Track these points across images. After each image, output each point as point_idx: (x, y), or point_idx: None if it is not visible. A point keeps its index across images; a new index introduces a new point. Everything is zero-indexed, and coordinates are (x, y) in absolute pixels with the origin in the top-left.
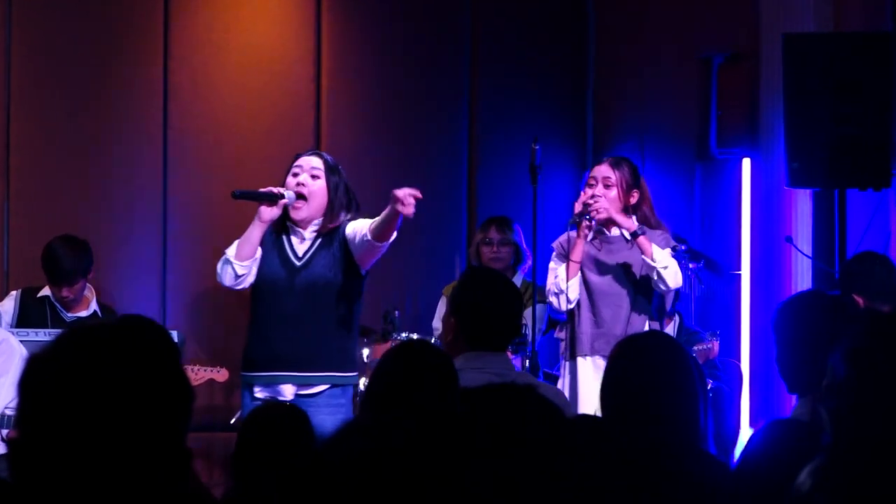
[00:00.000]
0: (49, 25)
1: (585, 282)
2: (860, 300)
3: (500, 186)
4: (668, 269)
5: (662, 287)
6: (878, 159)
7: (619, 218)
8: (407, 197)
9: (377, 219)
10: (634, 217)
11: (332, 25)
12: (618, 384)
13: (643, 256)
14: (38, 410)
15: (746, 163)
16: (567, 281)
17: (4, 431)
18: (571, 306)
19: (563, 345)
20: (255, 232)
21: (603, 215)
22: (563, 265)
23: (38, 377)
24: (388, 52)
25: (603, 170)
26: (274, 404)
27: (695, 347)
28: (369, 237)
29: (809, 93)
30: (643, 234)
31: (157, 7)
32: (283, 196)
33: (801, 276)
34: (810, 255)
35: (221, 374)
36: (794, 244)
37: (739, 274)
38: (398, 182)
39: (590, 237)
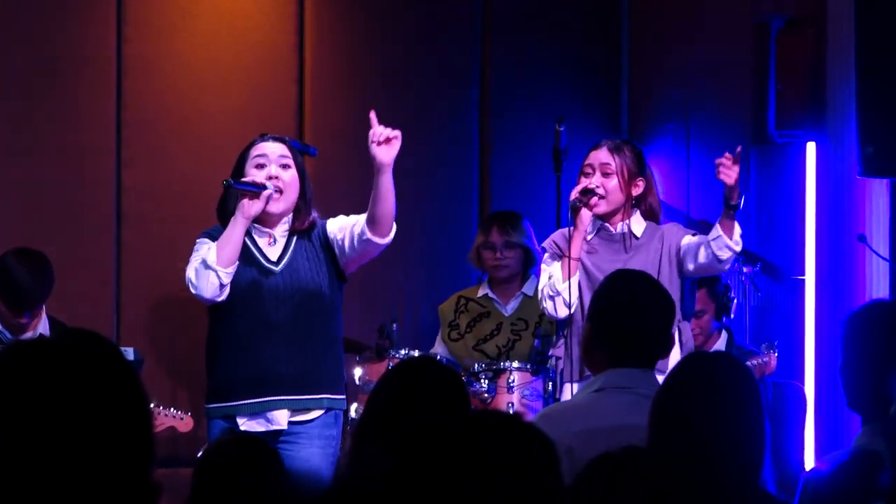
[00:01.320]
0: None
1: (590, 286)
2: None
3: (517, 176)
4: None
5: (722, 259)
6: None
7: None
8: (381, 148)
9: (368, 207)
10: (638, 211)
11: (316, 8)
12: (670, 412)
13: (726, 239)
14: None
15: (811, 147)
16: (565, 281)
17: None
18: (571, 311)
19: (561, 363)
20: (239, 230)
21: (602, 208)
22: (557, 265)
23: None
24: (386, 16)
25: (601, 155)
26: (236, 439)
27: (748, 362)
28: (367, 230)
29: (887, 65)
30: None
31: None
32: (266, 188)
33: (877, 282)
34: (887, 256)
35: (185, 424)
36: (868, 244)
37: (803, 279)
38: (394, 170)
39: (590, 233)
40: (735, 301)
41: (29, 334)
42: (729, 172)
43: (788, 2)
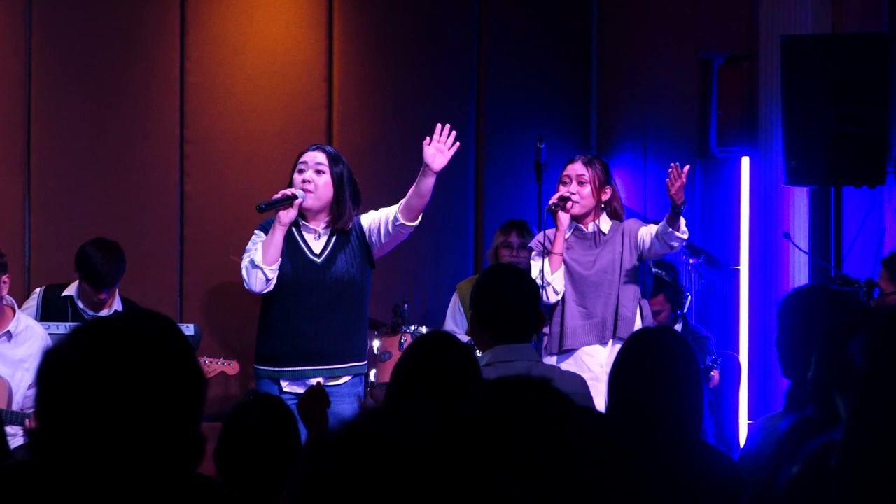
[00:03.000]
0: (68, 28)
1: (570, 277)
2: None
3: (506, 184)
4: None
5: (673, 246)
6: (873, 158)
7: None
8: (436, 155)
9: (408, 196)
10: (605, 213)
11: (344, 28)
12: (626, 377)
13: (676, 232)
14: (55, 401)
15: (745, 161)
16: (552, 274)
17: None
18: (558, 298)
19: (545, 340)
20: (278, 235)
21: (577, 210)
22: (544, 260)
23: (55, 369)
24: (398, 54)
25: (576, 168)
26: (257, 400)
27: None
28: (400, 217)
29: (807, 93)
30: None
31: (174, 9)
32: (296, 196)
33: (798, 272)
34: (807, 250)
35: (232, 367)
36: (792, 240)
37: (738, 269)
38: (407, 179)
39: (567, 233)
40: (689, 297)
41: (105, 312)
42: (673, 183)
43: (728, 43)
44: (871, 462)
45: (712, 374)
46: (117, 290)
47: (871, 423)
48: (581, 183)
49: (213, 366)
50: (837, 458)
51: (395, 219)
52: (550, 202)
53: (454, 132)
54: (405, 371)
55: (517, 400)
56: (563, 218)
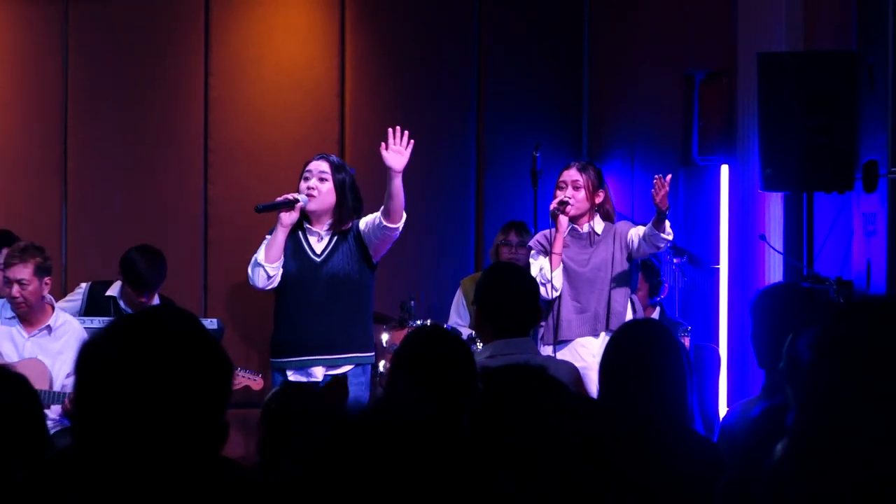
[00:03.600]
0: (101, 46)
1: (565, 273)
2: None
3: (504, 189)
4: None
5: (660, 246)
6: (842, 166)
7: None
8: (393, 155)
9: (384, 201)
10: (599, 215)
11: (355, 47)
12: (615, 367)
13: (661, 234)
14: (91, 388)
15: (725, 169)
16: (552, 271)
17: (56, 408)
18: (557, 293)
19: (542, 331)
20: (280, 236)
21: (573, 212)
22: (544, 259)
23: (91, 360)
24: (405, 71)
25: (572, 174)
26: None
27: None
28: (382, 221)
29: (781, 106)
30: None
31: (199, 30)
32: (297, 200)
33: (773, 270)
34: (781, 251)
35: (257, 384)
36: (767, 241)
37: (718, 268)
38: (414, 184)
39: (566, 231)
40: (665, 284)
41: None
42: (658, 192)
43: (708, 59)
44: (815, 449)
45: (681, 340)
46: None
47: (814, 414)
48: (576, 187)
49: (239, 378)
50: (786, 444)
51: (379, 222)
52: (552, 207)
53: (406, 132)
54: (402, 359)
55: (516, 387)
56: (563, 221)
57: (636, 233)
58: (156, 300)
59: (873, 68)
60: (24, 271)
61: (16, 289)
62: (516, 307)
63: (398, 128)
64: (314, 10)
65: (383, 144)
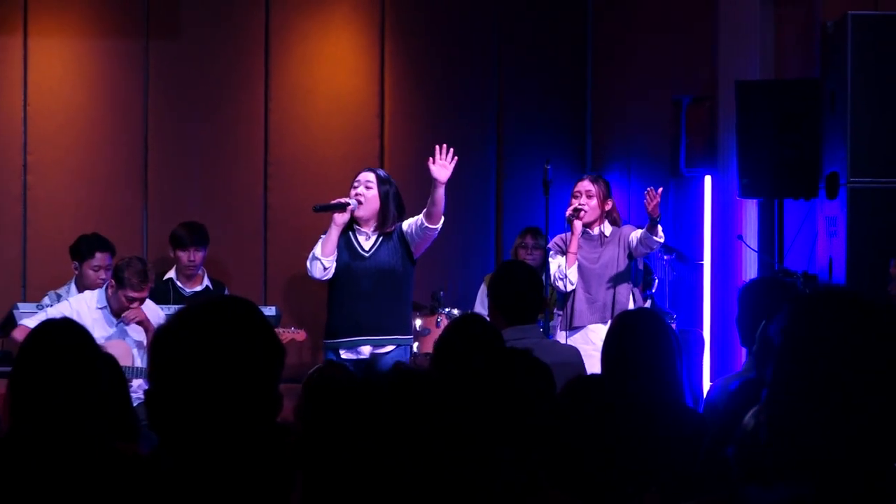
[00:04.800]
0: (177, 75)
1: (579, 269)
2: None
3: (520, 197)
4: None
5: (653, 247)
6: (808, 176)
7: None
8: (440, 168)
9: (426, 205)
10: (607, 220)
11: (393, 77)
12: (616, 350)
13: (654, 237)
14: (164, 368)
15: (708, 179)
16: (568, 268)
17: (139, 382)
18: (573, 287)
19: (561, 318)
20: (333, 233)
21: (587, 218)
22: (561, 258)
23: (164, 343)
24: (435, 96)
25: (585, 185)
26: (330, 366)
27: None
28: (424, 222)
29: (756, 126)
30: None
31: (260, 62)
32: (349, 203)
33: (749, 266)
34: (756, 249)
35: (300, 335)
36: (744, 241)
37: (702, 264)
38: (445, 192)
39: (580, 234)
40: (656, 280)
41: (198, 287)
42: (650, 202)
43: (694, 86)
44: (787, 423)
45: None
46: (205, 274)
47: (785, 388)
48: (589, 196)
49: (285, 334)
50: (762, 418)
51: (421, 223)
52: (568, 213)
53: (452, 149)
54: (444, 342)
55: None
56: (578, 225)
57: (635, 235)
58: (206, 281)
59: (834, 94)
60: (145, 293)
61: (135, 304)
62: (523, 298)
63: (444, 145)
64: (358, 44)
65: (431, 159)
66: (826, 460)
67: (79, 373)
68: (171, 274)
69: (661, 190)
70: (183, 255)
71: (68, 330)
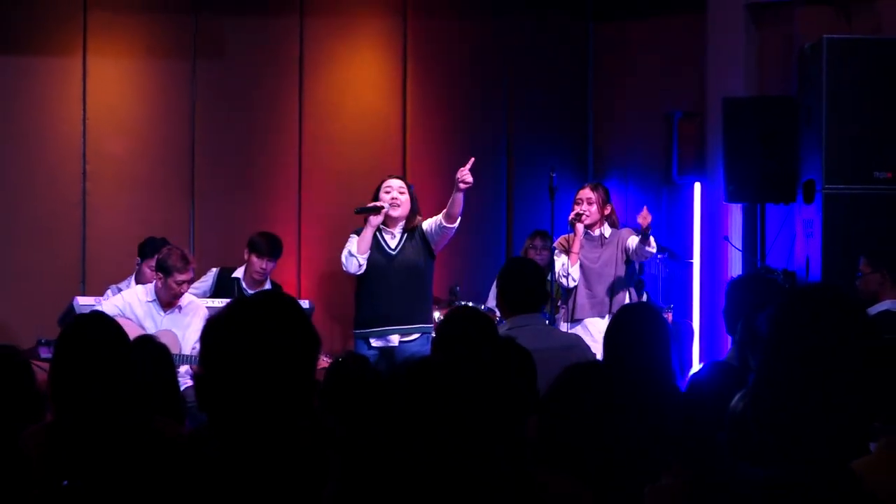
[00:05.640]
0: (220, 91)
1: (581, 268)
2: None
3: (528, 202)
4: (653, 248)
5: (646, 256)
6: (787, 183)
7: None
8: (464, 175)
9: (446, 207)
10: (607, 223)
11: (414, 96)
12: (616, 339)
13: (647, 247)
14: (213, 355)
15: (698, 186)
16: (571, 267)
17: (185, 368)
18: (575, 284)
19: (564, 312)
20: (368, 233)
21: (588, 221)
22: (565, 257)
23: (214, 332)
24: (452, 114)
25: (586, 192)
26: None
27: None
28: (444, 222)
29: (740, 138)
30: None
31: (294, 80)
32: (384, 207)
33: (734, 264)
34: (741, 248)
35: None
36: (730, 241)
37: (692, 262)
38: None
39: (582, 236)
40: (647, 293)
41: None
42: (645, 218)
43: (685, 102)
44: (772, 403)
45: (666, 315)
46: (269, 279)
47: (770, 375)
48: (590, 203)
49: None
50: (749, 399)
51: (441, 223)
52: (571, 217)
53: (473, 160)
54: (444, 331)
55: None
56: (580, 228)
57: (632, 242)
58: (267, 285)
59: (810, 110)
60: (191, 273)
61: (184, 287)
62: (529, 291)
63: (472, 160)
64: (382, 67)
65: (461, 170)
66: (805, 439)
67: (111, 362)
68: (239, 274)
69: (650, 218)
70: (257, 262)
71: (100, 323)
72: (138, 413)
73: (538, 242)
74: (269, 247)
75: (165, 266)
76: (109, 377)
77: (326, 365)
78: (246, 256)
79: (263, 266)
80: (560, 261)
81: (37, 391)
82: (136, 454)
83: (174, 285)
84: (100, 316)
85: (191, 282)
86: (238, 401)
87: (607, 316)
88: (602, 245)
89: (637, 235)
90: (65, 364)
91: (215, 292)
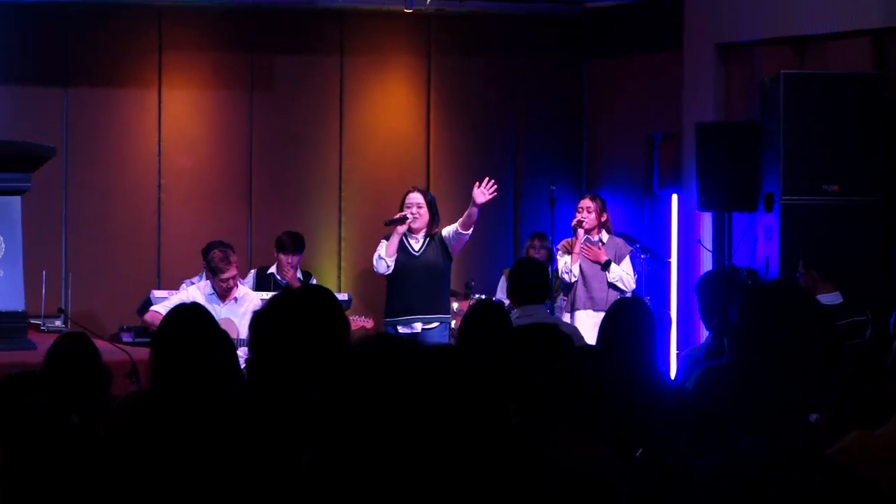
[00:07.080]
0: (273, 116)
1: (580, 266)
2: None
3: (532, 210)
4: (620, 279)
5: (615, 282)
6: (750, 195)
7: (593, 254)
8: (480, 194)
9: (463, 217)
10: (604, 229)
11: (436, 121)
12: (610, 328)
13: (609, 276)
14: (262, 342)
15: (675, 197)
16: (572, 265)
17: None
18: (575, 280)
19: (565, 303)
20: (395, 239)
21: (587, 226)
22: (567, 257)
23: (261, 321)
24: (468, 136)
25: (586, 202)
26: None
27: None
28: (461, 230)
29: (710, 156)
30: (611, 262)
31: (335, 108)
32: (407, 218)
33: (706, 263)
34: (711, 250)
35: (369, 322)
36: (702, 244)
37: (670, 261)
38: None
39: (582, 239)
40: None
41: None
42: (593, 254)
43: (664, 125)
44: (743, 379)
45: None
46: (298, 268)
47: (741, 356)
48: (589, 211)
49: (356, 322)
50: (723, 377)
51: (457, 230)
52: (573, 223)
53: (495, 183)
54: (468, 318)
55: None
56: (580, 233)
57: (625, 265)
58: (298, 272)
59: (770, 133)
60: (234, 269)
61: (231, 282)
62: (533, 286)
63: (491, 180)
64: (410, 97)
65: (476, 184)
66: (772, 410)
67: (201, 344)
68: (273, 269)
69: (603, 255)
70: (283, 259)
71: (195, 313)
72: (224, 386)
73: (537, 242)
74: (291, 243)
75: (211, 268)
76: (204, 354)
77: (368, 325)
78: (275, 254)
79: (289, 260)
80: (563, 260)
81: (103, 368)
82: (218, 420)
83: (221, 282)
84: (196, 305)
85: (236, 276)
86: (285, 380)
87: (599, 309)
88: (599, 249)
89: (627, 245)
90: (167, 342)
91: (256, 287)
